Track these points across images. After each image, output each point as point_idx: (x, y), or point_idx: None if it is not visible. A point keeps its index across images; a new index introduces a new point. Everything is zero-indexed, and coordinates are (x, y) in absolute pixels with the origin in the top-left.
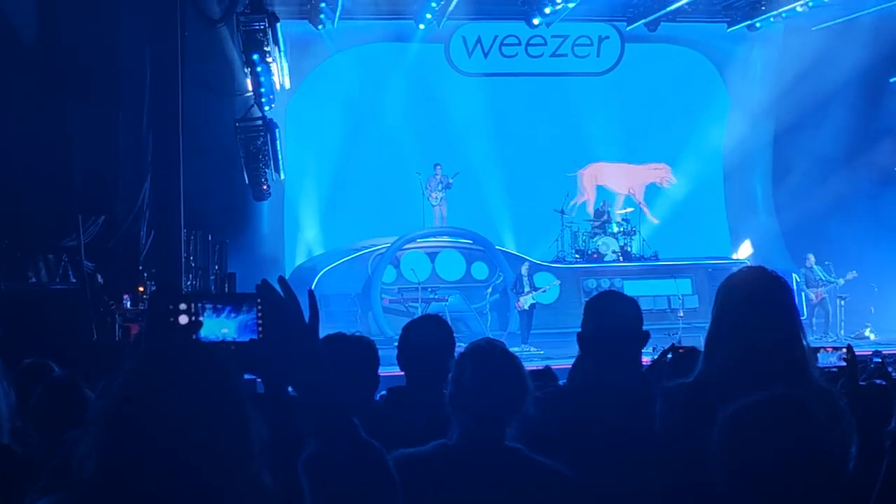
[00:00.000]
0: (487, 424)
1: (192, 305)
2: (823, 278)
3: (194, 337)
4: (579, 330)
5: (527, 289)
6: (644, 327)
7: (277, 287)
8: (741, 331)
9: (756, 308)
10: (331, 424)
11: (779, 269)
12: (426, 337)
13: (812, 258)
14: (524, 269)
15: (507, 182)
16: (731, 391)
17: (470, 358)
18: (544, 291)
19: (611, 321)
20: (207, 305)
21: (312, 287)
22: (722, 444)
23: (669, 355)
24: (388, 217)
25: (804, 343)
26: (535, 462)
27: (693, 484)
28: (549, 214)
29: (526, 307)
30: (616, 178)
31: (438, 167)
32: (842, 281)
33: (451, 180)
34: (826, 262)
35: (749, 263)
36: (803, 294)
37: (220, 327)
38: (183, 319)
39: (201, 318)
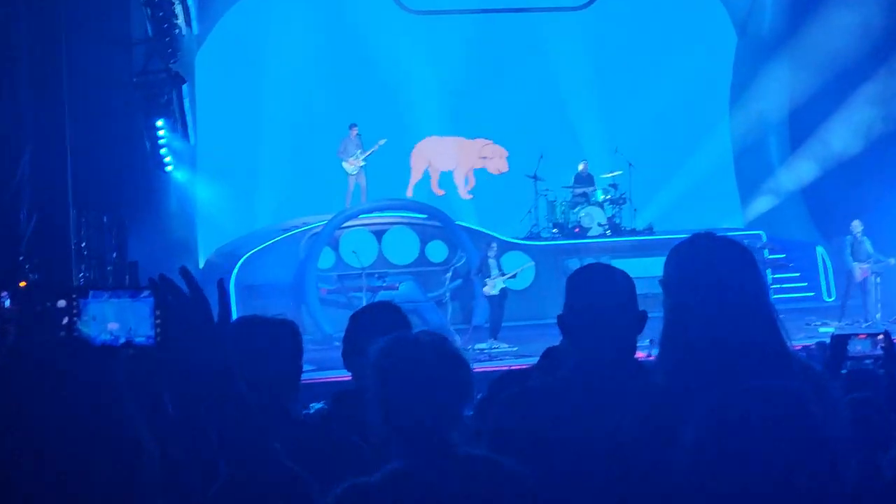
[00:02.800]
0: (431, 440)
1: (75, 301)
2: (873, 253)
3: (74, 336)
4: (560, 313)
5: (495, 272)
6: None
7: (180, 281)
8: (702, 318)
9: (719, 288)
10: (245, 449)
11: (799, 242)
12: (378, 328)
13: (859, 226)
14: (491, 250)
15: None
16: (693, 393)
17: (391, 362)
18: (514, 277)
19: (599, 299)
20: (95, 300)
21: (232, 277)
22: (704, 441)
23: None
24: (324, 190)
25: (782, 331)
26: (499, 468)
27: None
28: (520, 181)
29: (495, 292)
30: (446, 156)
31: (354, 129)
32: (893, 261)
33: (378, 145)
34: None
35: (763, 235)
36: (830, 271)
37: (108, 325)
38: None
39: (82, 317)
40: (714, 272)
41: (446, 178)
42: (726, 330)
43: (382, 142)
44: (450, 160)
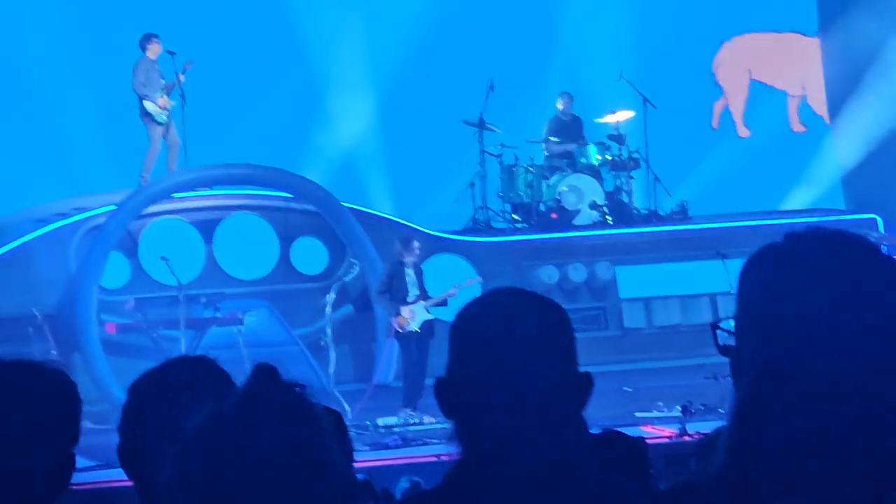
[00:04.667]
0: None
1: None
2: None
3: None
4: (440, 376)
5: (413, 293)
6: (643, 362)
7: None
8: (813, 362)
9: (858, 331)
10: None
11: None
12: (177, 405)
13: None
14: (408, 254)
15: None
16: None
17: (197, 469)
18: (444, 302)
19: (506, 354)
20: None
21: None
22: None
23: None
24: (111, 152)
25: None
26: None
27: None
28: (455, 134)
29: (415, 328)
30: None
31: (155, 43)
32: None
33: (181, 75)
34: None
35: (879, 222)
36: None
37: None
38: None
39: None
40: (844, 298)
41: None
42: (860, 382)
43: (189, 65)
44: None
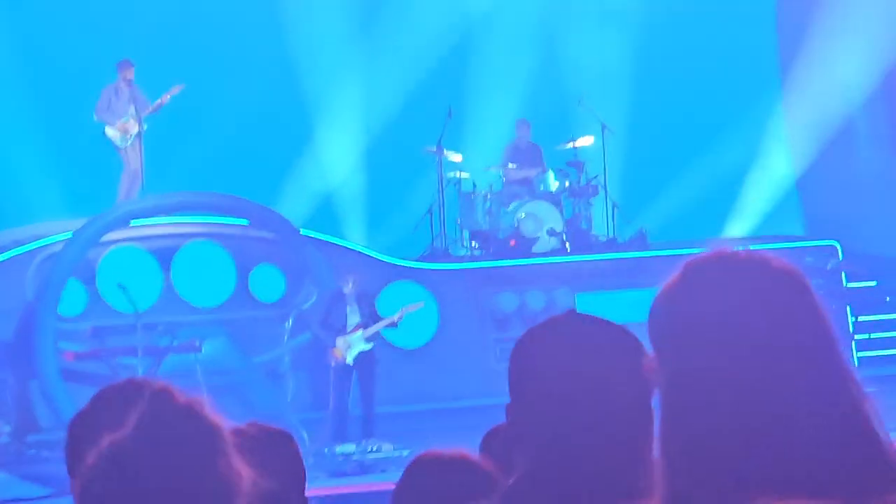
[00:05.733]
0: None
1: None
2: None
3: None
4: (507, 402)
5: (352, 322)
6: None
7: None
8: (727, 403)
9: (759, 349)
10: None
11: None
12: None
13: None
14: (346, 285)
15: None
16: None
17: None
18: (394, 324)
19: (583, 385)
20: None
21: None
22: None
23: None
24: (73, 178)
25: (874, 421)
26: None
27: None
28: (412, 157)
29: (350, 360)
30: None
31: (127, 69)
32: None
33: (167, 96)
34: None
35: (838, 248)
36: None
37: None
38: None
39: None
40: (751, 318)
41: None
42: (774, 421)
43: (177, 89)
44: None
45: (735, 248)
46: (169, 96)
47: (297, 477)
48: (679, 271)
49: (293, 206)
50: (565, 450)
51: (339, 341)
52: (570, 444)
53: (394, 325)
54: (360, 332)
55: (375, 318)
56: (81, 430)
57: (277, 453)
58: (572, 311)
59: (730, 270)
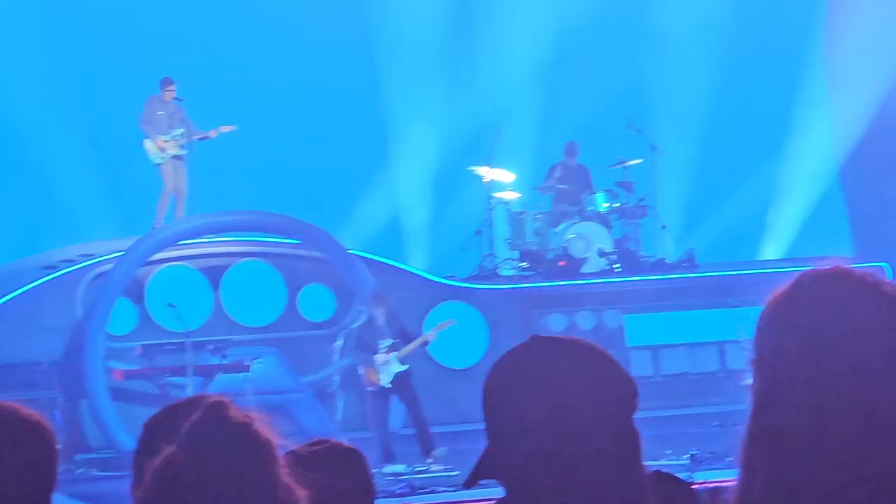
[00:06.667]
0: None
1: None
2: None
3: None
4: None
5: (385, 344)
6: (651, 410)
7: None
8: (827, 405)
9: (859, 355)
10: None
11: None
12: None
13: None
14: (378, 305)
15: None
16: None
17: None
18: (427, 343)
19: (549, 407)
20: None
21: None
22: None
23: None
24: (119, 201)
25: None
26: None
27: None
28: (459, 179)
29: (386, 383)
30: None
31: (170, 87)
32: None
33: (215, 132)
34: None
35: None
36: None
37: None
38: None
39: None
40: (858, 341)
41: None
42: (878, 457)
43: (229, 128)
44: None
45: (848, 268)
46: (217, 133)
47: (368, 493)
48: (791, 284)
49: (360, 227)
50: (537, 473)
51: (369, 368)
52: (541, 465)
53: (426, 343)
54: (393, 354)
55: (407, 339)
56: (146, 445)
57: (348, 470)
58: (536, 336)
59: (843, 290)
